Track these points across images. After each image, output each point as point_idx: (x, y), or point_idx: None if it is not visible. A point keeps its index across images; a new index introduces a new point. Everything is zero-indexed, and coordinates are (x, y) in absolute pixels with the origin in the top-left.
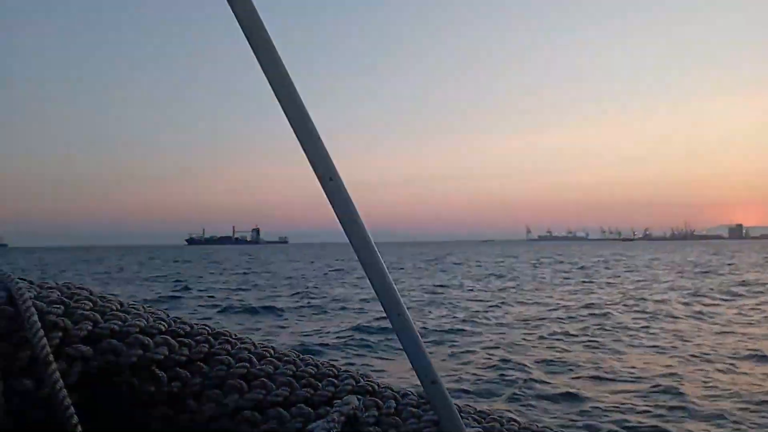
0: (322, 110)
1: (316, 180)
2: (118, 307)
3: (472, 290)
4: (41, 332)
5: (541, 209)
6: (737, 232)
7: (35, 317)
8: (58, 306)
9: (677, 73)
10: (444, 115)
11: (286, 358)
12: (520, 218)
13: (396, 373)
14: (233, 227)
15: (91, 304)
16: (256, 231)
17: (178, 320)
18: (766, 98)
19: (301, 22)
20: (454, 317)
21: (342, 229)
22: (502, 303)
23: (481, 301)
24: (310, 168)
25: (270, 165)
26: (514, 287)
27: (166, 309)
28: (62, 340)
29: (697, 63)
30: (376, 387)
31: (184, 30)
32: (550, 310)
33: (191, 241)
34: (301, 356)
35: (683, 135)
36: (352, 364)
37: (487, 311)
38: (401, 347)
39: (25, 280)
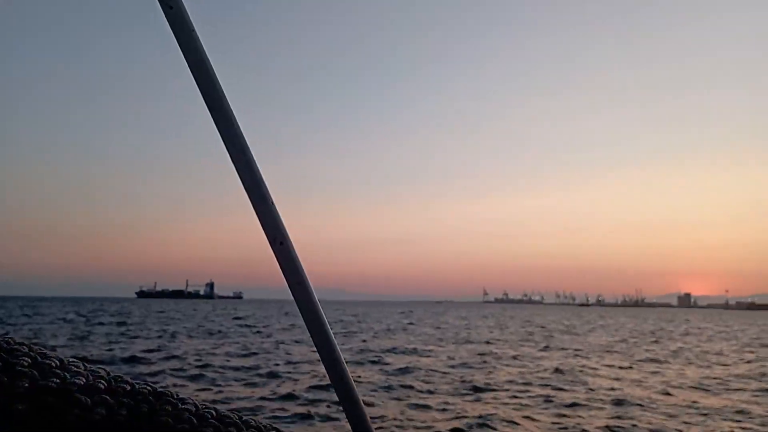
0: (279, 169)
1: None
2: (58, 364)
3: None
4: None
5: (497, 273)
6: (686, 300)
7: None
8: None
9: (629, 143)
10: (405, 179)
11: (228, 420)
12: (478, 281)
13: None
14: (186, 281)
15: (29, 360)
16: (210, 285)
17: (119, 378)
18: (711, 176)
19: (257, 82)
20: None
21: (289, 291)
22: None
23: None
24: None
25: (226, 218)
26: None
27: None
28: None
29: (645, 134)
30: None
31: (147, 74)
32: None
33: (142, 294)
34: (244, 418)
35: (635, 206)
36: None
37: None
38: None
39: None
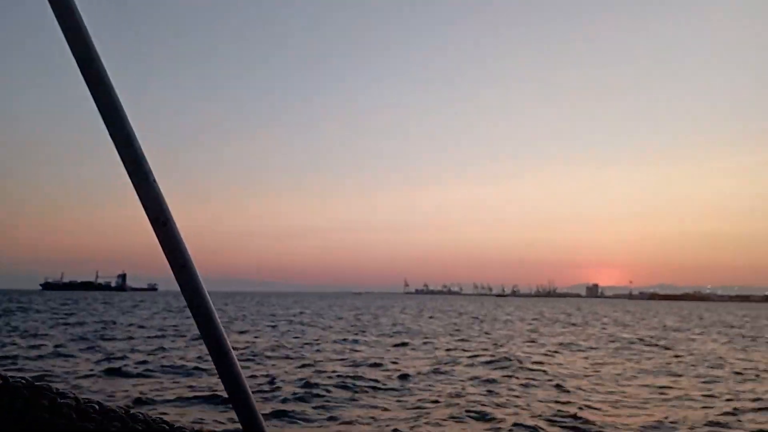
0: (192, 156)
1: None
2: None
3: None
4: None
5: (419, 264)
6: (594, 290)
7: None
8: None
9: (547, 141)
10: (325, 169)
11: (112, 414)
12: (399, 272)
13: None
14: (96, 272)
15: None
16: (122, 277)
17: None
18: (618, 174)
19: (174, 63)
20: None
21: (173, 275)
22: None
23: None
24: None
25: (139, 205)
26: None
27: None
28: None
29: (562, 132)
30: None
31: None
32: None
33: (47, 286)
34: (131, 412)
35: (549, 201)
36: None
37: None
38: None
39: None
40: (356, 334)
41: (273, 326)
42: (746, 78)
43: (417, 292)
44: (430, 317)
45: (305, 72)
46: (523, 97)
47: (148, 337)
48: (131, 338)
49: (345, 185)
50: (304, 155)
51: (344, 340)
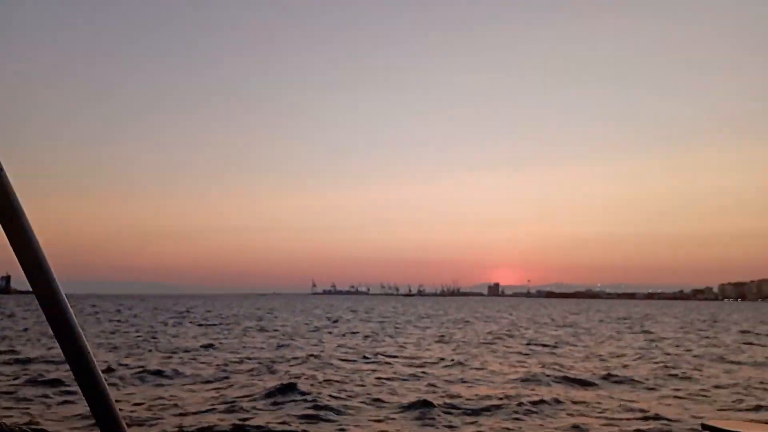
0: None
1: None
2: None
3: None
4: None
5: (326, 265)
6: (495, 289)
7: None
8: None
9: (450, 147)
10: (232, 167)
11: None
12: (307, 273)
13: None
14: None
15: None
16: (6, 279)
17: None
18: (517, 177)
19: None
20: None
21: (24, 274)
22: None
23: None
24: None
25: (36, 201)
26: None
27: None
28: None
29: (464, 138)
30: None
31: None
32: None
33: None
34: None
35: (453, 203)
36: None
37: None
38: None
39: None
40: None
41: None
42: (630, 89)
43: (324, 292)
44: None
45: (210, 62)
46: (428, 101)
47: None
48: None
49: (252, 186)
50: (207, 154)
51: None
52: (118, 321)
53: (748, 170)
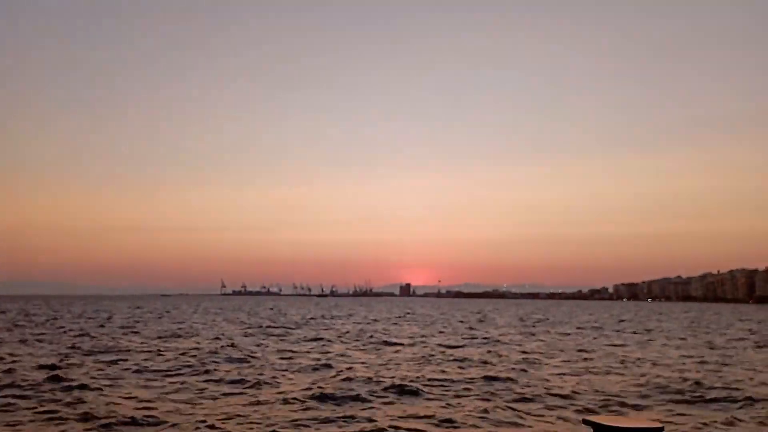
0: None
1: None
2: None
3: None
4: None
5: (236, 265)
6: (407, 290)
7: None
8: None
9: (365, 147)
10: (130, 163)
11: None
12: (216, 273)
13: None
14: None
15: None
16: None
17: None
18: (432, 180)
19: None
20: None
21: None
22: None
23: None
24: None
25: None
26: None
27: None
28: None
29: (376, 140)
30: None
31: None
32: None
33: None
34: None
35: (366, 202)
36: None
37: None
38: None
39: None
40: None
41: None
42: (539, 96)
43: (234, 293)
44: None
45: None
46: (339, 100)
47: None
48: None
49: (156, 183)
50: (101, 150)
51: None
52: None
53: (628, 177)
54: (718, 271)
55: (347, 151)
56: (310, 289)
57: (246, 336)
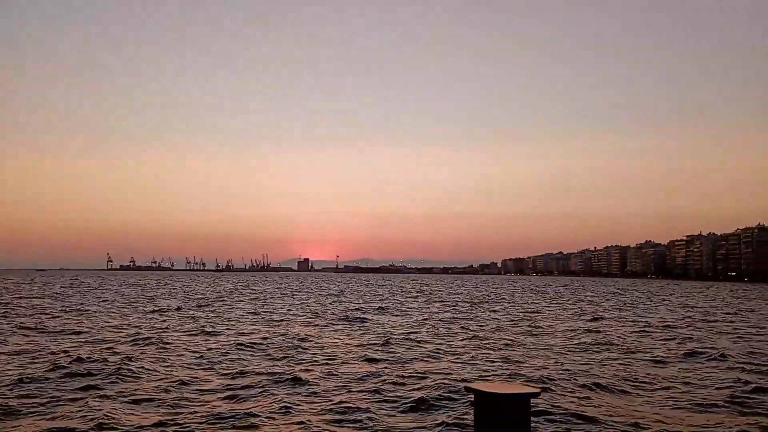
0: None
1: None
2: None
3: None
4: None
5: (124, 239)
6: (305, 265)
7: None
8: None
9: (251, 120)
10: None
11: None
12: (102, 246)
13: None
14: None
15: None
16: None
17: None
18: (323, 155)
19: None
20: None
21: None
22: None
23: None
24: None
25: None
26: None
27: None
28: None
29: (274, 115)
30: None
31: None
32: None
33: None
34: None
35: (260, 177)
36: None
37: None
38: None
39: None
40: None
41: None
42: (431, 80)
43: (122, 268)
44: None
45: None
46: (241, 72)
47: None
48: None
49: (28, 152)
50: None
51: None
52: None
53: (512, 162)
54: (595, 248)
55: (245, 124)
56: (204, 264)
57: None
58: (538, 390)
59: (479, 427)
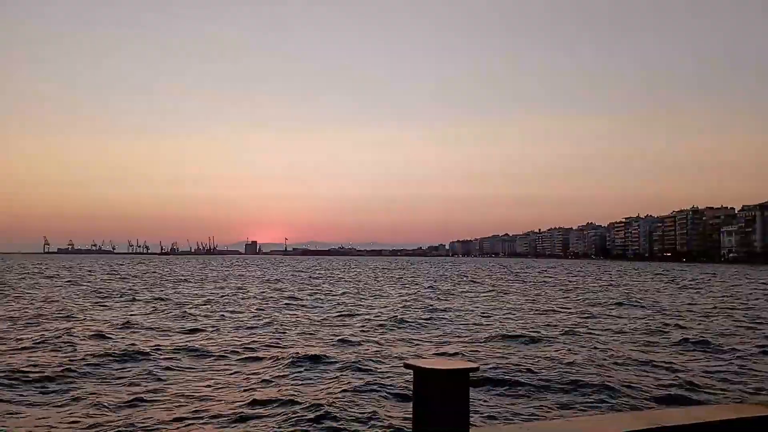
0: None
1: None
2: None
3: None
4: None
5: (61, 221)
6: (253, 247)
7: None
8: None
9: (214, 102)
10: None
11: None
12: (37, 229)
13: None
14: None
15: None
16: None
17: None
18: (269, 136)
19: None
20: None
21: None
22: None
23: None
24: None
25: None
26: None
27: None
28: None
29: (221, 94)
30: None
31: None
32: None
33: None
34: None
35: (207, 157)
36: None
37: None
38: None
39: None
40: None
41: None
42: (384, 62)
43: (60, 251)
44: None
45: None
46: (189, 53)
47: None
48: None
49: None
50: None
51: None
52: None
53: (456, 145)
54: (539, 230)
55: (190, 102)
56: (147, 248)
57: None
58: (476, 365)
59: (419, 402)
